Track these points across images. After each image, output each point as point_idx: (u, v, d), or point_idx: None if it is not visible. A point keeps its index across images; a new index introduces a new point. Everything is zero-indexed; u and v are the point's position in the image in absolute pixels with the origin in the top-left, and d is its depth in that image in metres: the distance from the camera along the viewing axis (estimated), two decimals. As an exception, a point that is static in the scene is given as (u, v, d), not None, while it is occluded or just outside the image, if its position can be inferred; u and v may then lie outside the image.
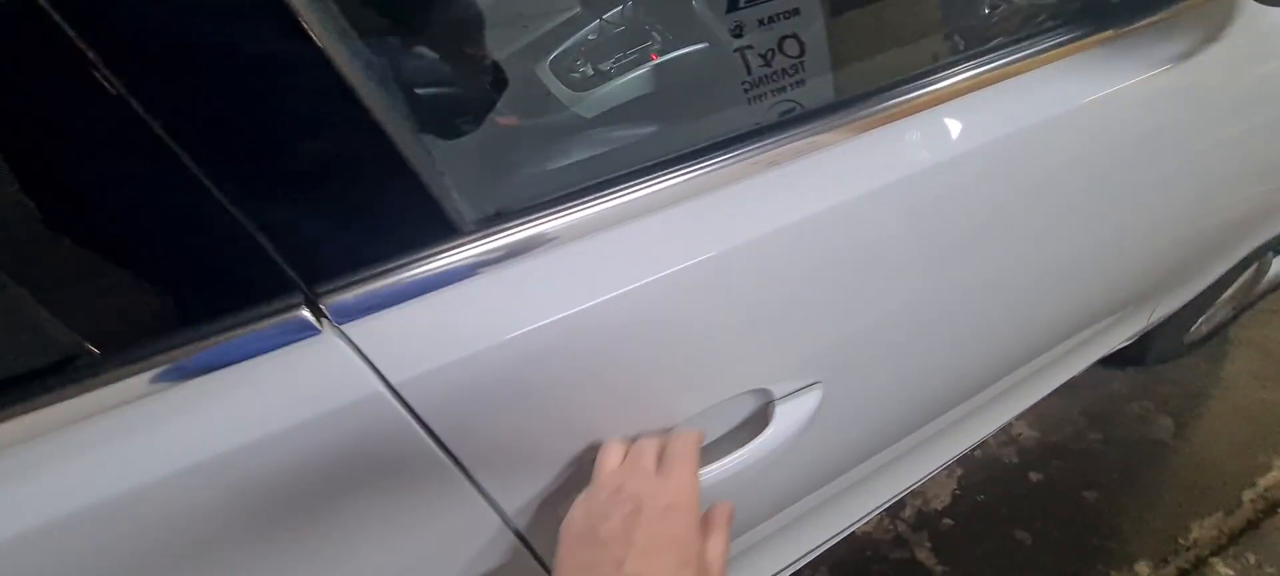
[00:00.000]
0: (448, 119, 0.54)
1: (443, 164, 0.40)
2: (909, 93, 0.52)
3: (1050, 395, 1.29)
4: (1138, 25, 0.60)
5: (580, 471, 0.48)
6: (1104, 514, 1.20)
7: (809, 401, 0.54)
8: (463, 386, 0.39)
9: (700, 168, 0.46)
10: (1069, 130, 0.57)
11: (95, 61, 0.28)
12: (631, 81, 0.92)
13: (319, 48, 0.32)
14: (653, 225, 0.44)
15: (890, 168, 0.51)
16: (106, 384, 0.34)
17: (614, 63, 0.96)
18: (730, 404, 0.52)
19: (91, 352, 0.33)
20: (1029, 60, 0.56)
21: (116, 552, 0.36)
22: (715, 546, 0.41)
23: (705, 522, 0.42)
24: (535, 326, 0.40)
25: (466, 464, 0.42)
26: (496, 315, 0.40)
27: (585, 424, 0.46)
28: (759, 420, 0.53)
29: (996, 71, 0.55)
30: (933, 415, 0.79)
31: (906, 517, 1.25)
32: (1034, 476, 1.28)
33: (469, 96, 0.59)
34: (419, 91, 0.49)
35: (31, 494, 0.34)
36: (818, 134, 0.49)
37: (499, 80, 0.63)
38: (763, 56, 0.50)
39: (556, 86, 0.94)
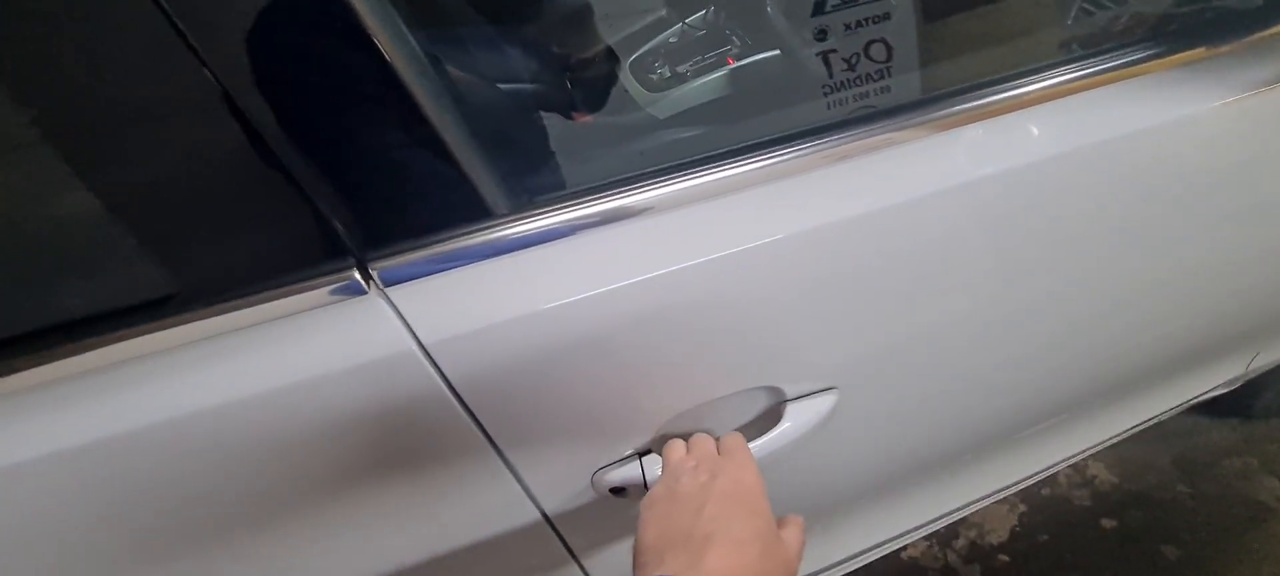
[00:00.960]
0: (522, 112, 0.59)
1: (499, 150, 0.45)
2: (984, 97, 0.52)
3: (1134, 439, 1.20)
4: (1238, 43, 0.57)
5: (595, 443, 0.51)
6: (1184, 573, 1.11)
7: (821, 406, 0.55)
8: (489, 353, 0.44)
9: (745, 163, 0.48)
10: (1149, 148, 0.55)
11: (204, 58, 0.35)
12: (708, 84, 0.95)
13: (385, 58, 0.38)
14: (690, 216, 0.47)
15: (953, 172, 0.50)
16: (194, 321, 0.41)
17: (692, 65, 0.99)
18: (744, 398, 0.54)
19: (185, 294, 0.41)
20: (1116, 72, 0.54)
21: (183, 463, 0.43)
22: (791, 533, 0.44)
23: (780, 521, 0.44)
24: (563, 303, 0.44)
25: (488, 426, 0.47)
26: (527, 290, 0.44)
27: (603, 399, 0.49)
28: (769, 417, 0.55)
29: (1081, 81, 0.53)
30: (983, 435, 0.77)
31: (958, 548, 1.21)
32: (1107, 523, 1.19)
33: (547, 93, 0.65)
34: (488, 89, 0.54)
35: (124, 403, 0.41)
36: (881, 134, 0.50)
37: (576, 78, 0.68)
38: (847, 61, 0.51)
39: (634, 87, 0.98)
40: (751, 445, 0.51)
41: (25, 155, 0.36)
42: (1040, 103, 0.53)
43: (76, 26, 0.33)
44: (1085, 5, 0.64)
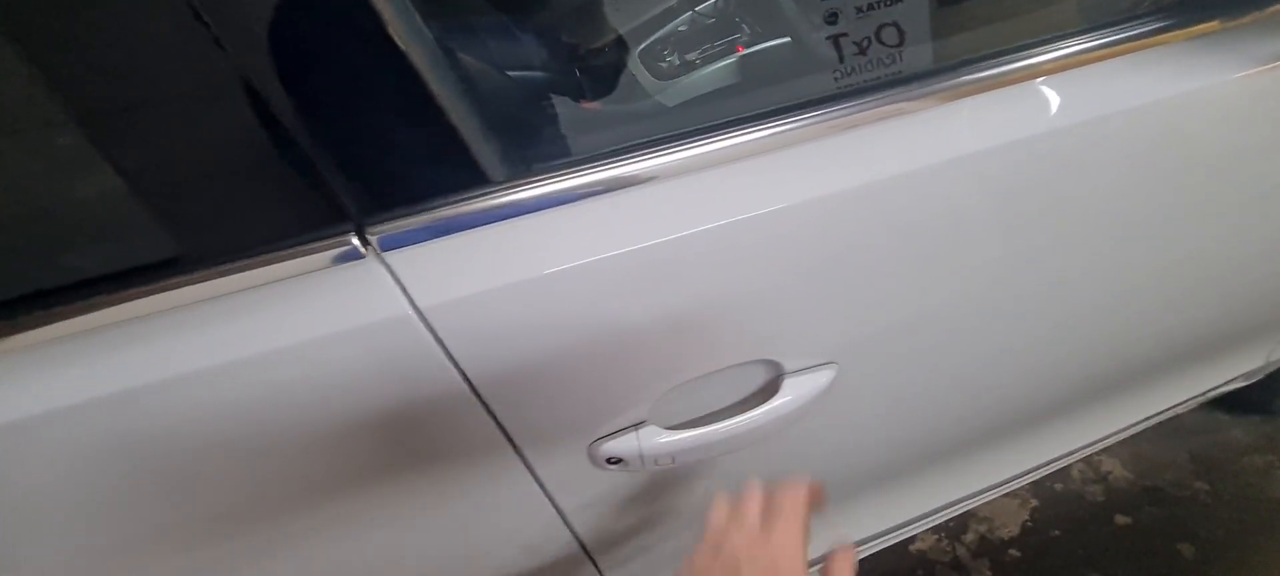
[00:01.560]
0: (524, 81, 0.60)
1: (496, 121, 0.45)
2: (994, 67, 0.51)
3: (1151, 435, 1.18)
4: (1256, 14, 0.55)
5: (592, 413, 0.51)
6: (1200, 572, 1.09)
7: (820, 380, 0.54)
8: (486, 318, 0.44)
9: (748, 132, 0.48)
10: (1162, 122, 0.54)
11: (210, 24, 0.35)
12: (717, 71, 0.95)
13: (387, 26, 0.38)
14: (690, 185, 0.47)
15: (961, 144, 0.50)
16: (200, 282, 0.42)
17: (701, 53, 0.99)
18: (743, 371, 0.53)
19: (192, 254, 0.42)
20: (1129, 43, 0.53)
21: (182, 421, 0.43)
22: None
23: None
24: (560, 269, 0.44)
25: (483, 392, 0.47)
26: (524, 257, 0.44)
27: (601, 369, 0.49)
28: (767, 392, 0.55)
29: (1092, 53, 0.52)
30: (990, 421, 0.76)
31: (968, 542, 1.19)
32: (1121, 519, 1.17)
33: (553, 71, 0.65)
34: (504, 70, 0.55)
35: (126, 360, 0.42)
36: (889, 104, 0.49)
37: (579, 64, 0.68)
38: (857, 44, 0.51)
39: (643, 75, 0.98)
40: (746, 417, 0.51)
41: (37, 122, 0.37)
42: (1051, 74, 0.52)
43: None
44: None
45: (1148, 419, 0.97)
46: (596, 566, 0.66)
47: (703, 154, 0.47)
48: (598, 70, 0.71)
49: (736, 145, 0.48)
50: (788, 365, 0.53)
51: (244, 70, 0.37)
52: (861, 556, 0.91)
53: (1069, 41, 0.52)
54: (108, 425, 0.42)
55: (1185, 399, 0.96)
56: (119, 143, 0.38)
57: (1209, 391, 0.98)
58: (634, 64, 0.99)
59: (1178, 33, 0.54)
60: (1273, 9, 0.55)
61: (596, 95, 0.69)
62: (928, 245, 0.53)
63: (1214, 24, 0.55)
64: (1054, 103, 0.51)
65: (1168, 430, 1.22)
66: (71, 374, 0.41)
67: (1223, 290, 0.72)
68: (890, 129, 0.50)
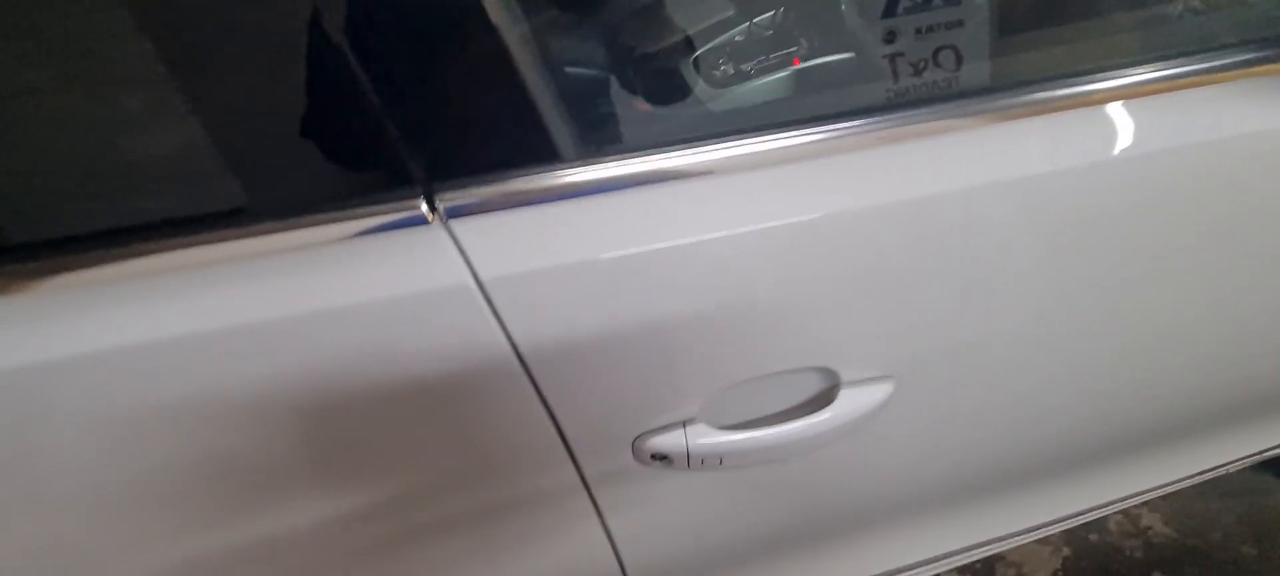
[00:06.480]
0: (596, 64, 0.60)
1: (566, 99, 0.45)
2: (1072, 87, 0.50)
3: (1196, 495, 1.13)
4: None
5: (640, 406, 0.50)
6: (1244, 640, 1.03)
7: (877, 394, 0.53)
8: (544, 296, 0.44)
9: (816, 132, 0.47)
10: (1239, 159, 0.52)
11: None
12: (770, 84, 0.94)
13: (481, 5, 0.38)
14: (755, 181, 0.46)
15: (1031, 162, 0.49)
16: (264, 234, 0.42)
17: (756, 65, 0.99)
18: (798, 377, 0.52)
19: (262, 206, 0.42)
20: (1212, 74, 0.51)
21: (238, 369, 0.43)
22: None
23: None
24: (621, 254, 0.44)
25: (534, 371, 0.46)
26: (586, 238, 0.44)
27: (653, 361, 0.48)
28: (821, 401, 0.53)
29: (1171, 81, 0.51)
30: (1034, 458, 0.73)
31: (996, 585, 1.15)
32: (1160, 578, 1.12)
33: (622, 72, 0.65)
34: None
35: (192, 305, 0.42)
36: (960, 116, 0.49)
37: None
38: (913, 66, 0.50)
39: (697, 83, 0.98)
40: (800, 423, 0.50)
41: (125, 72, 0.38)
42: (1126, 99, 0.50)
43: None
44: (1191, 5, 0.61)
45: (1195, 475, 0.93)
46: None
47: (770, 149, 0.47)
48: (654, 74, 0.71)
49: (805, 144, 0.47)
50: (845, 375, 0.51)
51: (327, 27, 0.37)
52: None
53: (1147, 68, 0.51)
54: (159, 369, 0.42)
55: (1236, 458, 0.91)
56: (201, 93, 0.39)
57: (1262, 452, 0.93)
58: (687, 70, 0.99)
59: (1268, 67, 0.52)
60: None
61: (651, 99, 0.69)
62: (991, 266, 0.51)
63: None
64: (1129, 129, 0.50)
65: (1214, 490, 1.17)
66: (132, 313, 0.42)
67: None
68: (960, 141, 0.49)
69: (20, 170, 0.40)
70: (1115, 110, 0.51)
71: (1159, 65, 0.52)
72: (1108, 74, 0.51)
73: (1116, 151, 0.51)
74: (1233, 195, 0.54)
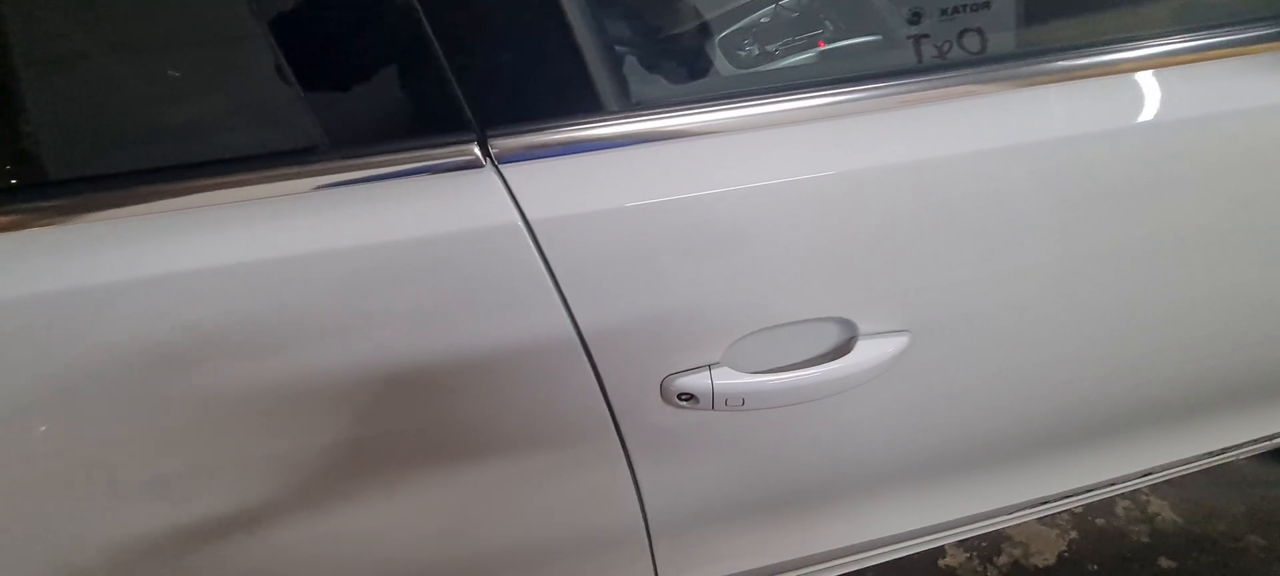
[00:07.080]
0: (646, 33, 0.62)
1: (614, 53, 0.48)
2: (1102, 55, 0.52)
3: (1205, 484, 1.14)
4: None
5: (669, 347, 0.53)
6: (1247, 626, 1.05)
7: (892, 346, 0.56)
8: (587, 238, 0.47)
9: (852, 91, 0.50)
10: (1264, 132, 0.54)
11: None
12: (794, 66, 0.96)
13: None
14: (790, 136, 0.49)
15: (1058, 125, 0.50)
16: (329, 172, 0.46)
17: (781, 45, 1.01)
18: (819, 327, 0.55)
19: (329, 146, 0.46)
20: (1241, 45, 0.53)
21: (303, 294, 0.47)
22: None
23: None
24: (659, 200, 0.47)
25: (574, 309, 0.49)
26: (626, 185, 0.47)
27: (684, 304, 0.51)
28: (840, 351, 0.56)
29: (1199, 52, 0.53)
30: (1045, 427, 0.75)
31: (1000, 564, 1.17)
32: (1166, 562, 1.14)
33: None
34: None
35: (262, 234, 0.45)
36: (990, 78, 0.51)
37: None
38: (938, 48, 0.52)
39: (721, 62, 1.00)
40: (819, 369, 0.53)
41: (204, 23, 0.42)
42: (1157, 67, 0.52)
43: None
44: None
45: (1203, 456, 0.94)
46: (646, 521, 0.68)
47: (800, 108, 0.50)
48: (678, 54, 0.74)
49: (841, 102, 0.50)
50: (863, 327, 0.54)
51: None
52: (891, 559, 0.91)
53: (1177, 38, 0.53)
54: (238, 292, 0.46)
55: (1247, 441, 0.93)
56: (289, 47, 0.43)
57: (1271, 437, 0.94)
58: (712, 50, 1.01)
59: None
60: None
61: (673, 79, 0.72)
62: (1011, 227, 0.54)
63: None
64: (1158, 96, 0.52)
65: (1223, 479, 1.18)
66: (209, 240, 0.45)
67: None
68: (990, 103, 0.51)
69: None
70: (1143, 78, 0.53)
71: (1185, 36, 0.53)
72: (1134, 44, 0.53)
73: (1140, 119, 0.52)
74: (1259, 169, 0.56)
